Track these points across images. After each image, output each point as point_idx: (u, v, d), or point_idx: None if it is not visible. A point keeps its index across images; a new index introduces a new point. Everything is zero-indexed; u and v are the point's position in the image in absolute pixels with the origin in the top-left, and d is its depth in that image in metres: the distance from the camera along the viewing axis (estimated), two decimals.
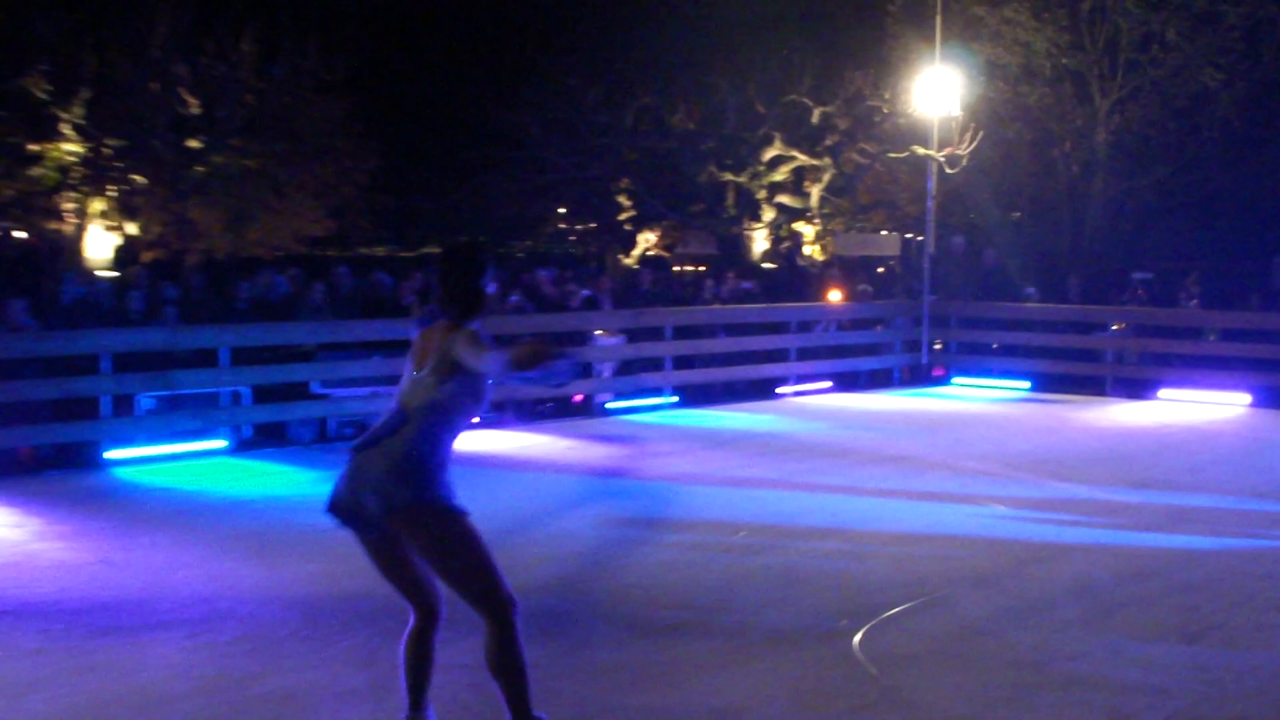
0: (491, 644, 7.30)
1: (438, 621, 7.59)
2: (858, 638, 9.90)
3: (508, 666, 7.31)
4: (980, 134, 28.44)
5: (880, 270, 32.65)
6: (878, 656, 9.50)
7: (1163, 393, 24.18)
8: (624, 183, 41.43)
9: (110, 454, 17.31)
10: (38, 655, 9.58)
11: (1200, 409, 23.35)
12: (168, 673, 9.16)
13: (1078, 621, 10.59)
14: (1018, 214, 35.25)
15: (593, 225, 44.48)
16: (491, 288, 7.74)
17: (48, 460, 17.18)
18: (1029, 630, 10.29)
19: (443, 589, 7.52)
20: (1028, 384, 25.54)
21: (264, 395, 18.81)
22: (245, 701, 8.61)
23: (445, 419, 7.31)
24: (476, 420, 7.92)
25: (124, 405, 17.72)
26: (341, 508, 7.29)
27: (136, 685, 8.86)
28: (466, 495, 14.77)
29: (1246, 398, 23.24)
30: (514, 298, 22.77)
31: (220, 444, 18.13)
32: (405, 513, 7.08)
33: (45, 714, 8.32)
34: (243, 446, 18.42)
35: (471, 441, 18.99)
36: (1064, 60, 33.55)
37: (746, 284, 28.08)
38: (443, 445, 7.33)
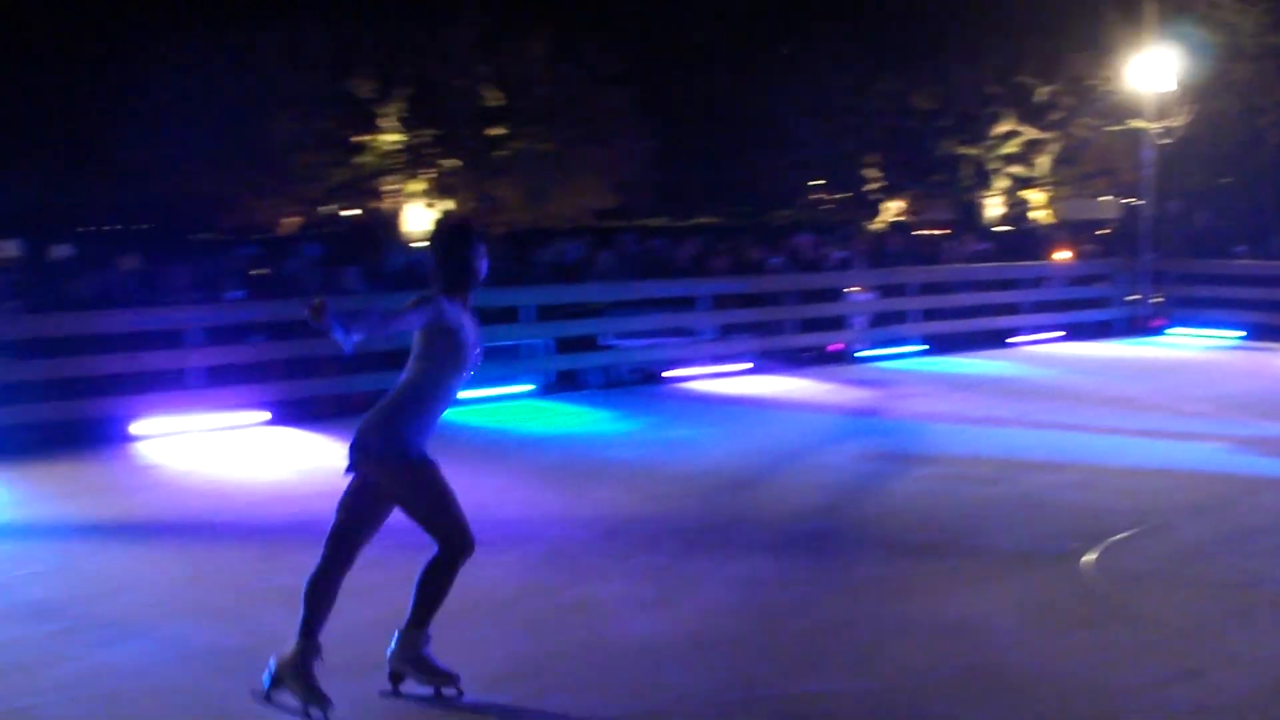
0: (433, 566, 7.49)
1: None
2: (1087, 559, 9.81)
3: (431, 587, 7.49)
4: (1193, 108, 27.88)
5: (1102, 232, 32.12)
6: (1105, 576, 9.42)
7: None
8: (872, 158, 41.34)
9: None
10: (375, 565, 9.79)
11: None
12: (488, 582, 9.27)
13: None
14: (1227, 179, 34.48)
15: (845, 195, 44.30)
16: (483, 265, 7.58)
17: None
18: (1244, 555, 10.10)
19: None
20: (1240, 334, 24.94)
21: (562, 346, 18.98)
22: (553, 609, 8.79)
23: (414, 378, 7.39)
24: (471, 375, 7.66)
25: None
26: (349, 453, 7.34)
27: (460, 593, 8.96)
28: (742, 432, 14.97)
29: None
30: (776, 259, 22.74)
31: (527, 388, 18.39)
32: (375, 460, 7.26)
33: (379, 616, 8.51)
34: (545, 390, 18.62)
35: (743, 385, 19.14)
36: (1268, 39, 32.78)
37: (982, 245, 27.83)
38: (417, 402, 7.37)
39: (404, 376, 7.44)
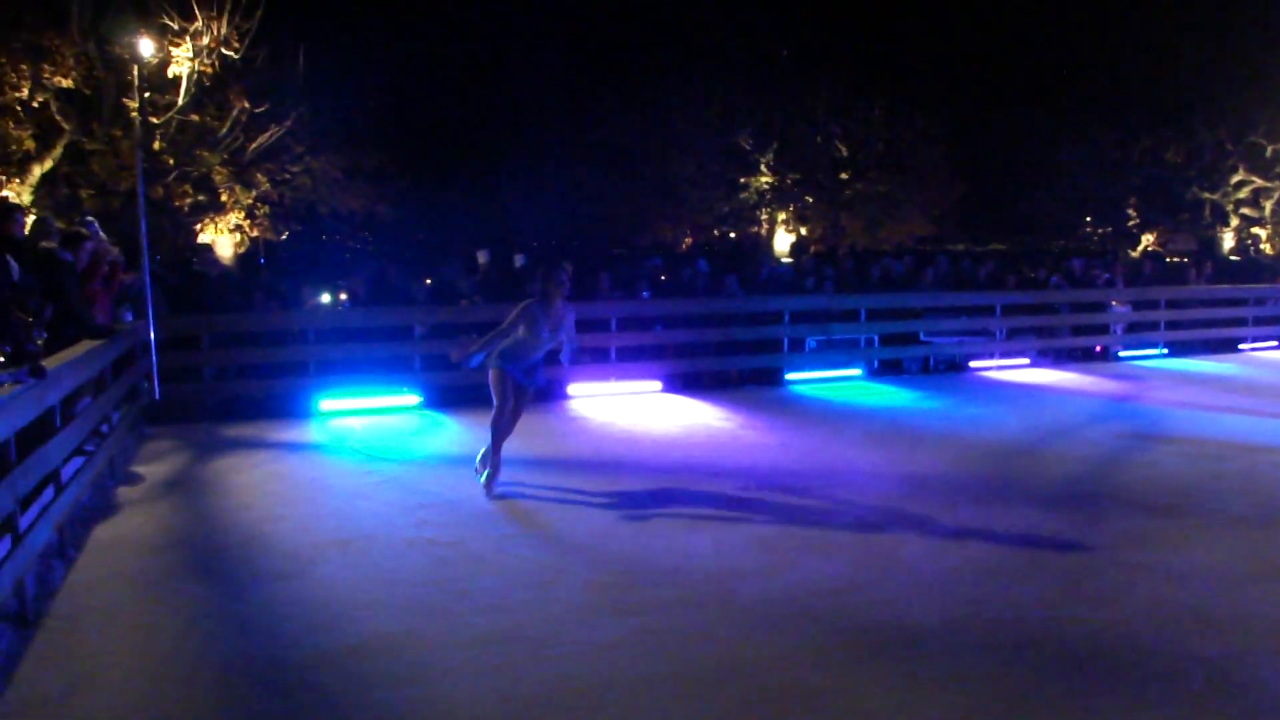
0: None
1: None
2: None
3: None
4: None
5: None
6: None
7: None
8: (1132, 200, 40.24)
9: (789, 375, 17.74)
10: (742, 501, 9.99)
11: None
12: (815, 518, 9.44)
13: None
14: None
15: (1109, 229, 43.17)
16: (564, 286, 10.38)
17: (747, 379, 17.67)
18: None
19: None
20: None
21: (887, 340, 18.89)
22: (872, 542, 8.80)
23: (518, 337, 10.33)
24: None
25: (797, 345, 18.07)
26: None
27: (797, 525, 9.14)
28: (1024, 411, 14.70)
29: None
30: (1055, 278, 22.27)
31: (857, 372, 18.34)
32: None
33: (748, 539, 8.64)
34: (872, 374, 18.55)
35: (1026, 375, 18.81)
36: None
37: (1216, 271, 26.76)
38: (515, 349, 10.36)
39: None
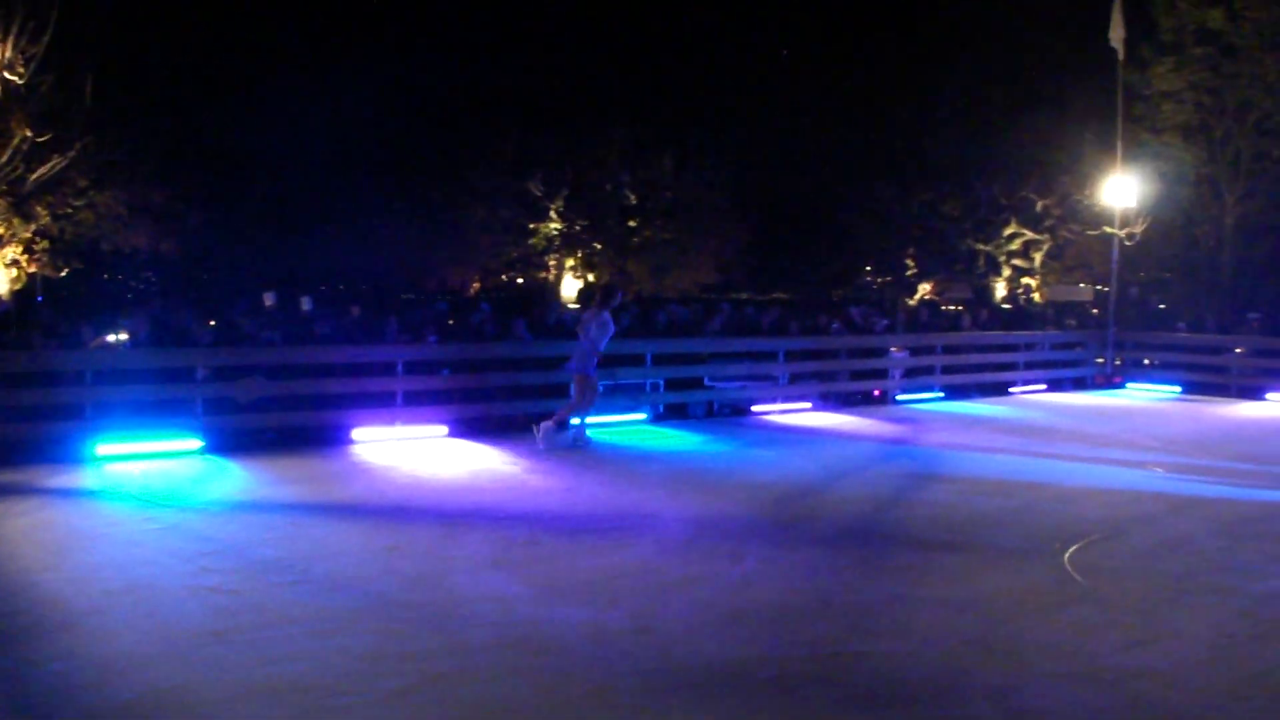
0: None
1: None
2: (1066, 555, 9.78)
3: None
4: (1148, 219, 27.75)
5: (1079, 310, 31.95)
6: (1079, 568, 9.37)
7: (1270, 395, 23.32)
8: (910, 251, 41.45)
9: (573, 421, 17.71)
10: (526, 545, 9.92)
11: None
12: (604, 561, 9.44)
13: (1216, 549, 10.29)
14: (1171, 273, 34.24)
15: (889, 278, 44.42)
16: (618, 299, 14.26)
17: (534, 423, 17.63)
18: (1183, 555, 10.03)
19: None
20: (1178, 388, 24.78)
21: (672, 385, 19.04)
22: (660, 584, 8.78)
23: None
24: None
25: None
26: None
27: (585, 568, 9.13)
28: (806, 454, 14.93)
29: None
30: (835, 325, 22.79)
31: (642, 416, 18.44)
32: None
33: (534, 583, 8.61)
34: (657, 418, 18.66)
35: (808, 419, 19.13)
36: (1203, 170, 32.54)
37: (991, 319, 27.70)
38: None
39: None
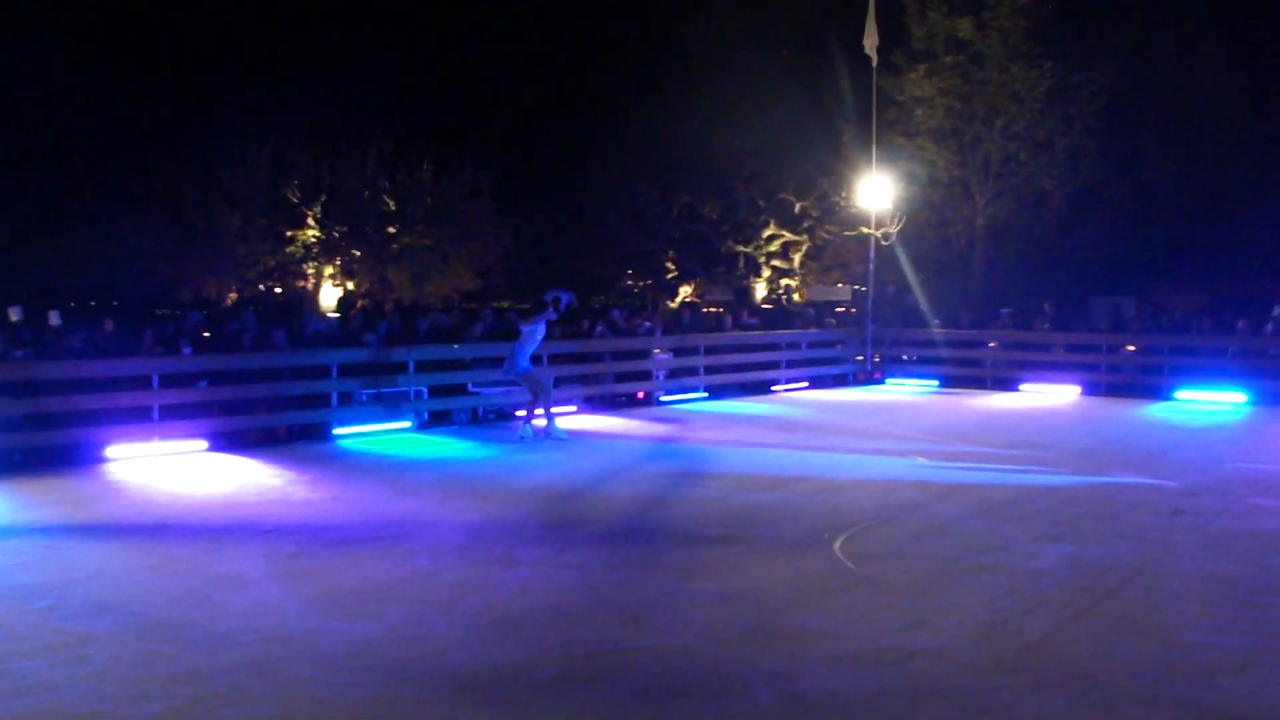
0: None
1: None
2: (836, 544, 9.88)
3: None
4: (902, 219, 28.46)
5: (838, 309, 32.65)
6: (850, 556, 9.48)
7: (1023, 386, 24.20)
8: (670, 253, 41.83)
9: (337, 430, 17.37)
10: (293, 558, 9.59)
11: (1047, 396, 23.38)
12: (376, 568, 9.19)
13: (981, 531, 10.57)
14: (926, 273, 35.30)
15: (649, 281, 44.75)
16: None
17: (296, 434, 17.19)
18: (950, 538, 10.28)
19: None
20: (936, 382, 25.52)
21: (436, 392, 18.76)
22: (434, 590, 8.57)
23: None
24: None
25: (346, 399, 17.76)
26: None
27: (357, 577, 8.87)
28: (573, 457, 14.84)
29: (1077, 389, 23.23)
30: (599, 328, 22.79)
31: (407, 424, 18.15)
32: None
33: (304, 596, 8.32)
34: (422, 426, 18.38)
35: (574, 422, 19.04)
36: (955, 173, 33.63)
37: (752, 320, 28.09)
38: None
39: None
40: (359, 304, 30.12)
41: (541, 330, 17.19)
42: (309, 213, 38.75)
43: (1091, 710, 6.18)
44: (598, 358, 21.61)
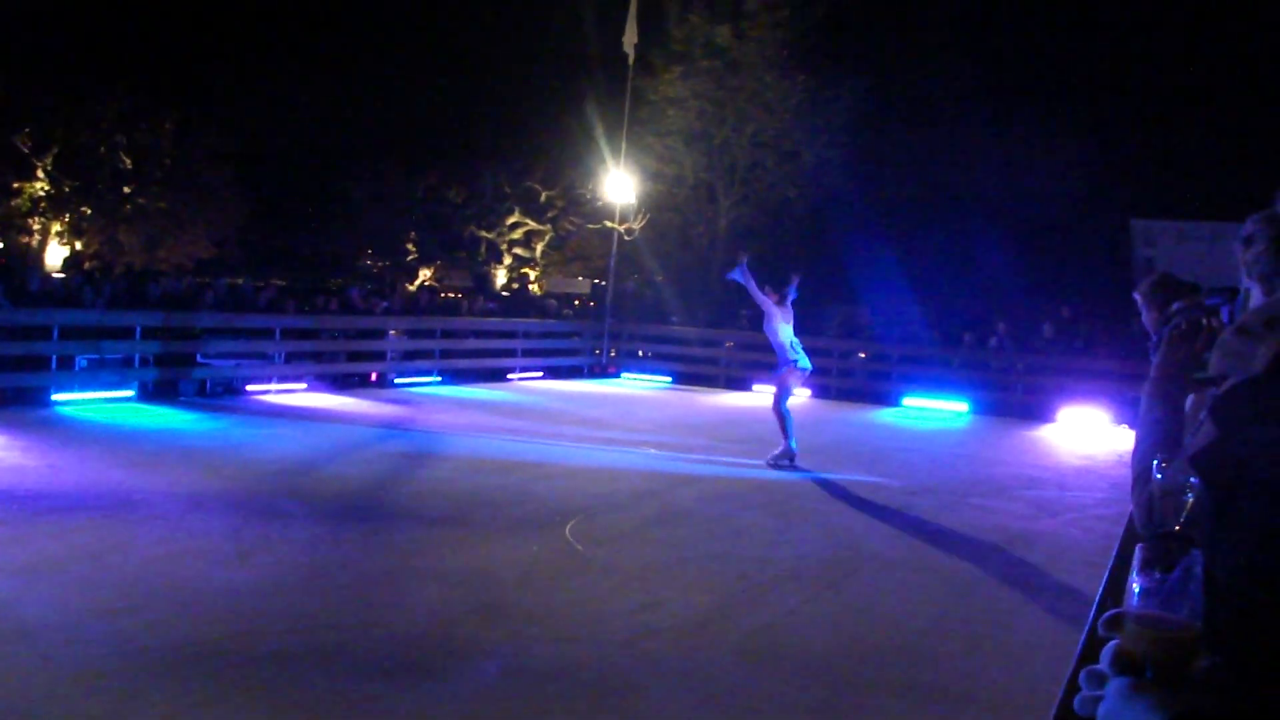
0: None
1: None
2: (567, 527, 9.90)
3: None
4: (646, 216, 28.77)
5: (577, 302, 32.86)
6: (581, 539, 9.53)
7: (755, 386, 24.66)
8: (412, 235, 41.43)
9: (56, 396, 16.65)
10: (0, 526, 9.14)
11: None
12: (89, 539, 8.78)
13: (711, 519, 10.78)
14: (660, 277, 35.79)
15: (389, 262, 44.28)
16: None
17: (11, 398, 16.41)
18: (681, 526, 10.46)
19: None
20: (670, 379, 25.87)
21: (164, 360, 18.16)
22: (150, 562, 8.25)
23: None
24: None
25: (66, 363, 17.06)
26: None
27: (67, 548, 8.47)
28: (303, 435, 14.53)
29: (808, 391, 23.60)
30: (334, 305, 22.39)
31: (130, 393, 17.50)
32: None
33: (7, 567, 7.91)
34: (148, 396, 17.75)
35: (305, 400, 18.71)
36: (701, 175, 34.15)
37: (491, 305, 28.01)
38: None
39: None
40: (86, 265, 28.91)
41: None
42: (39, 164, 36.98)
43: (824, 692, 6.34)
44: (331, 335, 21.23)
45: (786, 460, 14.22)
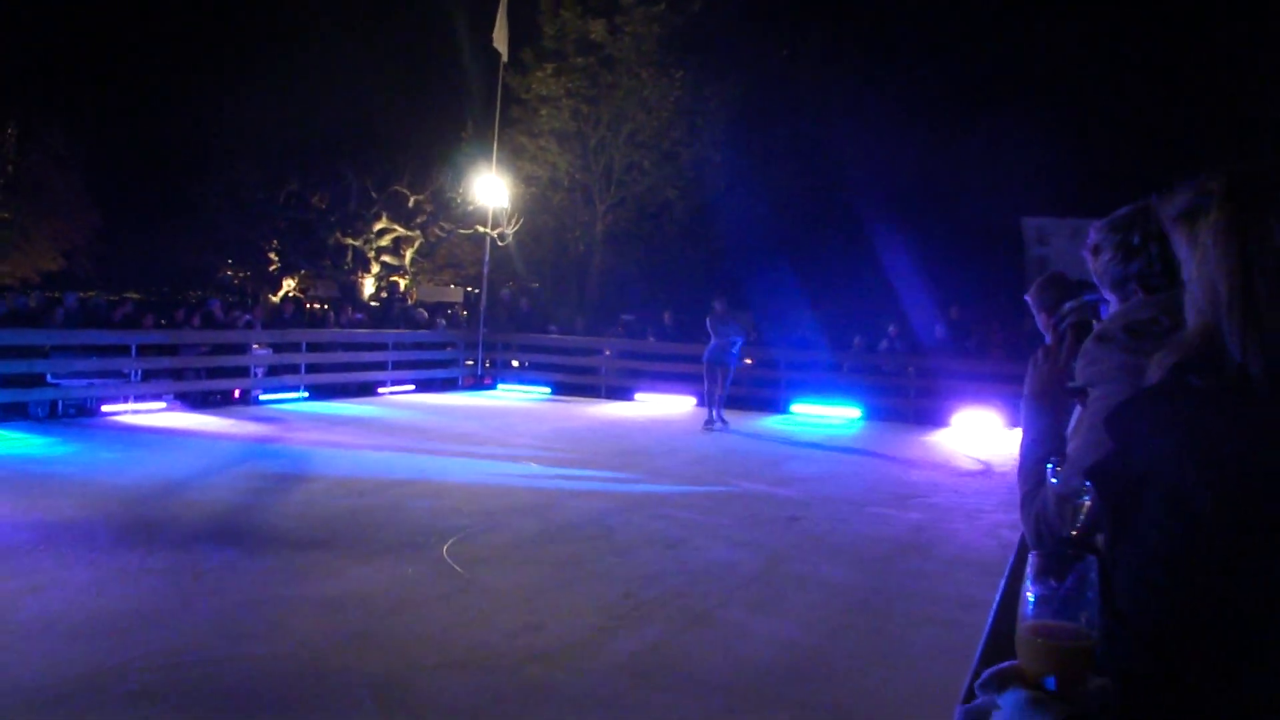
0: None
1: None
2: (444, 548, 9.84)
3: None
4: (520, 221, 28.77)
5: (449, 311, 32.70)
6: (458, 560, 9.46)
7: (638, 395, 24.75)
8: (275, 243, 40.92)
9: None
10: None
11: (660, 405, 24.15)
12: None
13: (593, 536, 10.76)
14: (536, 283, 35.77)
15: (249, 273, 43.73)
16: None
17: None
18: (563, 543, 10.40)
19: None
20: (548, 389, 25.85)
21: (9, 381, 17.77)
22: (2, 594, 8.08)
23: None
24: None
25: None
26: None
27: None
28: (162, 457, 14.29)
29: (692, 400, 23.87)
30: (195, 319, 22.08)
31: None
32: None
33: None
34: None
35: (163, 420, 18.43)
36: (577, 176, 34.20)
37: (359, 315, 27.75)
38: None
39: None
40: None
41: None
42: None
43: (716, 713, 6.36)
44: (192, 350, 20.92)
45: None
